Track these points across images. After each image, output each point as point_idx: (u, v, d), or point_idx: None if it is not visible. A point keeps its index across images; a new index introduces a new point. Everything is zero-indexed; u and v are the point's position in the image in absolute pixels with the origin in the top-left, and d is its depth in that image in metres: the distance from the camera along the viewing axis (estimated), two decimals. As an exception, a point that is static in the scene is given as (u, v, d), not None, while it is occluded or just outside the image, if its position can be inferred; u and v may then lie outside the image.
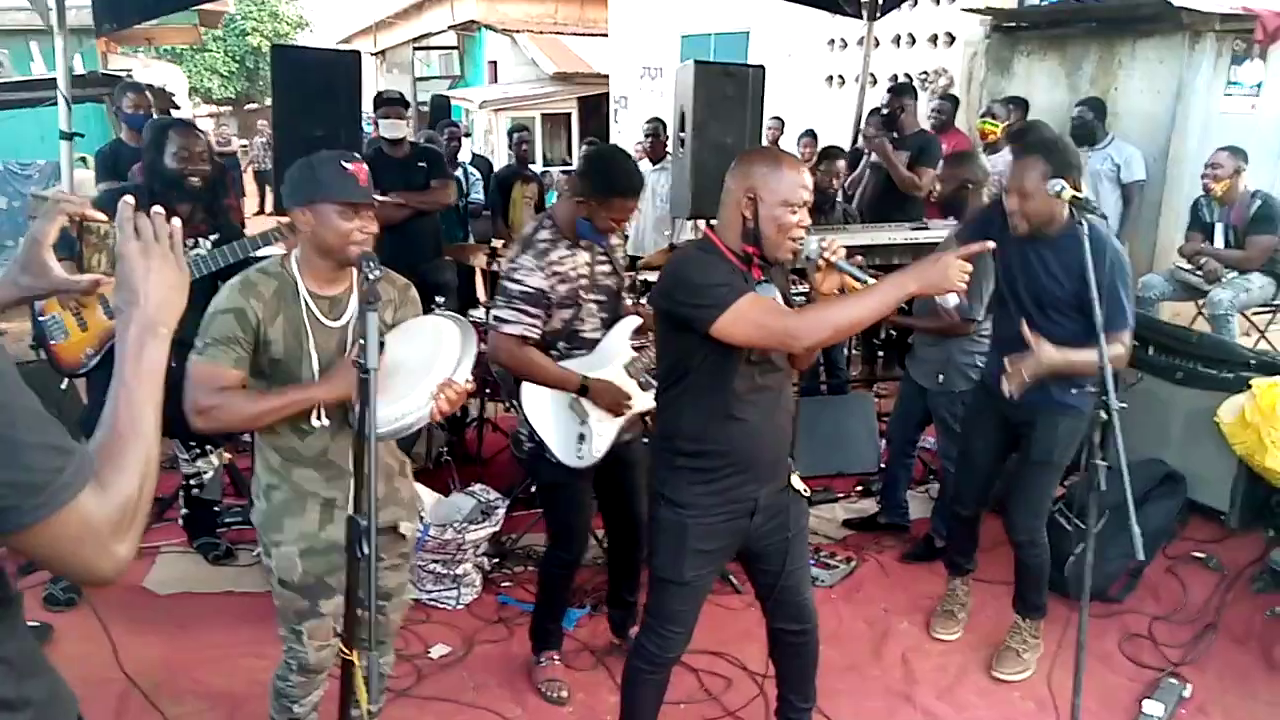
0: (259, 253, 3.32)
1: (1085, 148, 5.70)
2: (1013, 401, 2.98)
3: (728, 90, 5.84)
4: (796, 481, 2.53)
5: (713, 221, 2.43)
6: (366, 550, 1.96)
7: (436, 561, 3.60)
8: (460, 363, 2.22)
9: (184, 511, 3.89)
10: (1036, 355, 2.80)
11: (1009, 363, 2.85)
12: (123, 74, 6.92)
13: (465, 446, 4.95)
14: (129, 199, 1.28)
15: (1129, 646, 3.42)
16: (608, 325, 2.97)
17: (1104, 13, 6.10)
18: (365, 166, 2.21)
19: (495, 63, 19.25)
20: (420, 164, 5.65)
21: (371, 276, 1.96)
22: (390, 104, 5.53)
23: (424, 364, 2.22)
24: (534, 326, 2.79)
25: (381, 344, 1.96)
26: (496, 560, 3.93)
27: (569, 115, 16.65)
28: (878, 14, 6.59)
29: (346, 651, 2.13)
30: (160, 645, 3.31)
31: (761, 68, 6.06)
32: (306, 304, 2.24)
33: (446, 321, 2.35)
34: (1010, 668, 3.27)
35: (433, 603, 3.66)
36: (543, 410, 2.90)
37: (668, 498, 2.41)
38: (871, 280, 2.27)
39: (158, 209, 1.30)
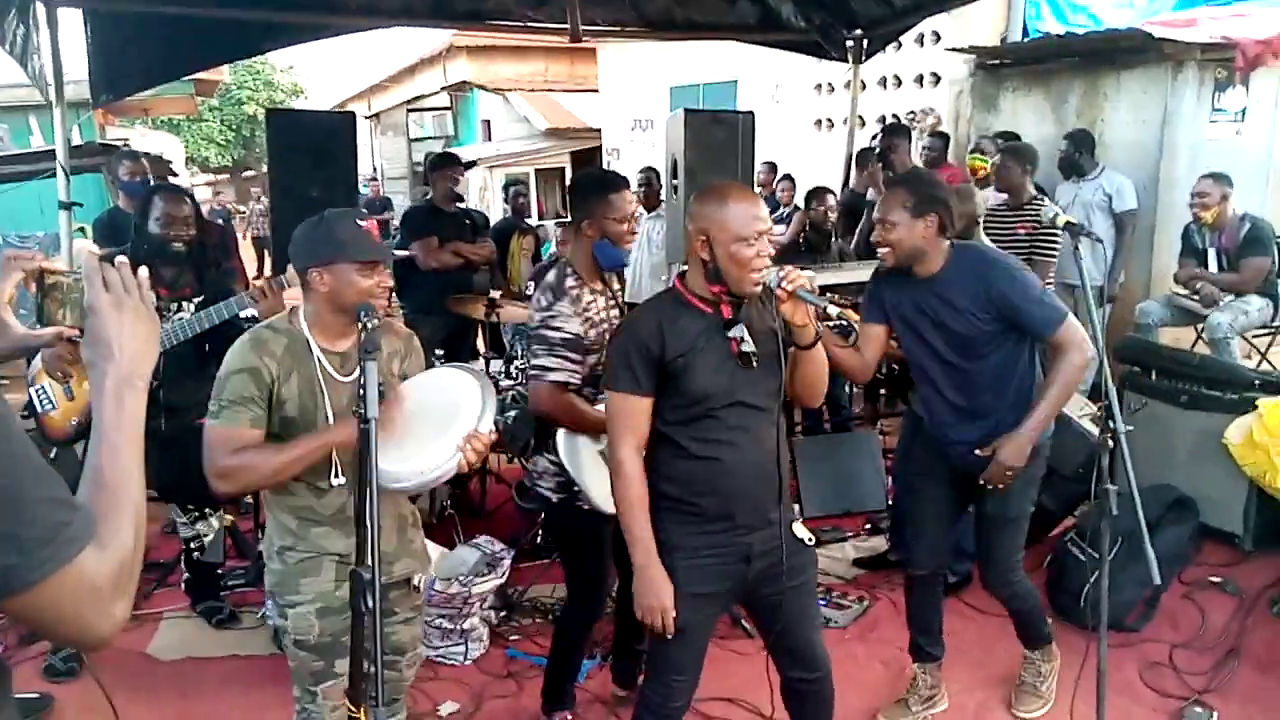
0: (243, 314, 3.34)
1: (1075, 179, 5.77)
2: (959, 450, 2.92)
3: (718, 136, 5.93)
4: (800, 530, 2.47)
5: (683, 268, 2.41)
6: (371, 604, 1.96)
7: (443, 616, 3.54)
8: (483, 414, 2.24)
9: (186, 576, 3.85)
10: (999, 461, 2.75)
11: (985, 480, 2.79)
12: (119, 144, 7.01)
13: (469, 499, 4.91)
14: (93, 248, 1.29)
15: (1150, 675, 3.36)
16: None
17: (1086, 46, 6.20)
18: (375, 224, 2.27)
19: (488, 121, 19.51)
20: (468, 220, 5.80)
21: (370, 325, 1.97)
22: (453, 163, 5.79)
23: (447, 416, 2.23)
24: (575, 373, 2.76)
25: (382, 393, 1.96)
26: (504, 613, 3.88)
27: (563, 169, 16.83)
28: (863, 57, 6.67)
29: (354, 709, 2.09)
30: (165, 713, 3.26)
31: (750, 113, 6.16)
32: (320, 361, 2.24)
33: (463, 373, 2.38)
34: (1028, 705, 3.21)
35: (440, 659, 3.60)
36: (579, 457, 2.83)
37: (661, 541, 2.35)
38: (834, 309, 2.28)
39: (122, 258, 1.29)
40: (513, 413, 4.58)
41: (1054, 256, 4.83)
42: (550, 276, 2.90)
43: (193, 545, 3.75)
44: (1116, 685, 3.10)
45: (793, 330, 2.31)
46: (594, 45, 13.21)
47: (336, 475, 2.24)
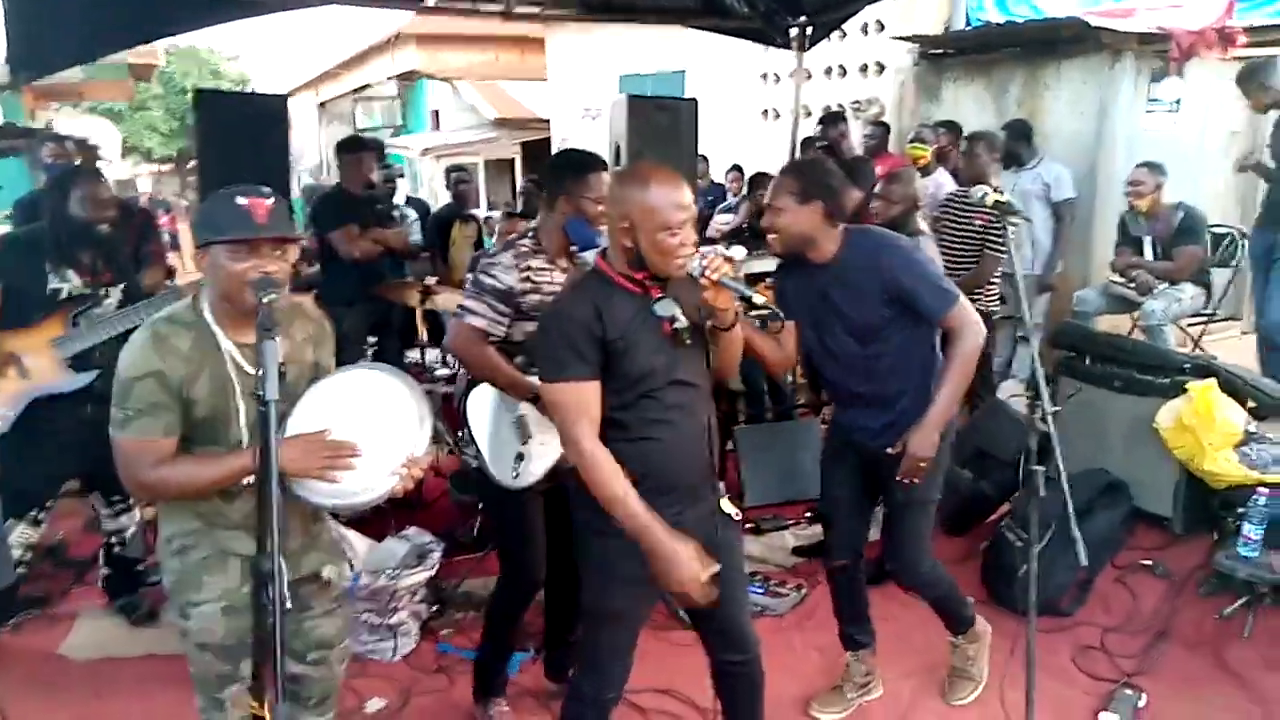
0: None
1: (1014, 168, 5.80)
2: (864, 438, 2.90)
3: (661, 123, 5.87)
4: (726, 505, 2.44)
5: (603, 245, 2.36)
6: (271, 596, 1.88)
7: (370, 611, 3.45)
8: (421, 432, 2.12)
9: (105, 571, 3.71)
10: (910, 454, 2.71)
11: (901, 476, 2.73)
12: (42, 127, 6.76)
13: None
14: None
15: (1082, 659, 3.37)
16: None
17: (1027, 35, 6.23)
18: (268, 200, 2.03)
19: (437, 111, 19.26)
20: (379, 205, 5.63)
21: (265, 299, 1.86)
22: (364, 147, 5.59)
23: (382, 433, 2.10)
24: (498, 323, 2.73)
25: (283, 374, 1.86)
26: (435, 607, 3.78)
27: (513, 160, 16.66)
28: (807, 45, 6.65)
29: (256, 706, 2.00)
30: (75, 714, 3.13)
31: (694, 101, 6.12)
32: (230, 355, 2.07)
33: (395, 380, 2.20)
34: (961, 692, 3.20)
35: (369, 654, 3.49)
36: (484, 421, 2.80)
37: (592, 523, 2.31)
38: (759, 298, 2.27)
39: None
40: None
41: (1003, 249, 4.82)
42: (512, 236, 2.91)
43: (114, 539, 3.61)
44: (1049, 669, 3.10)
45: (713, 314, 2.28)
46: (543, 35, 13.12)
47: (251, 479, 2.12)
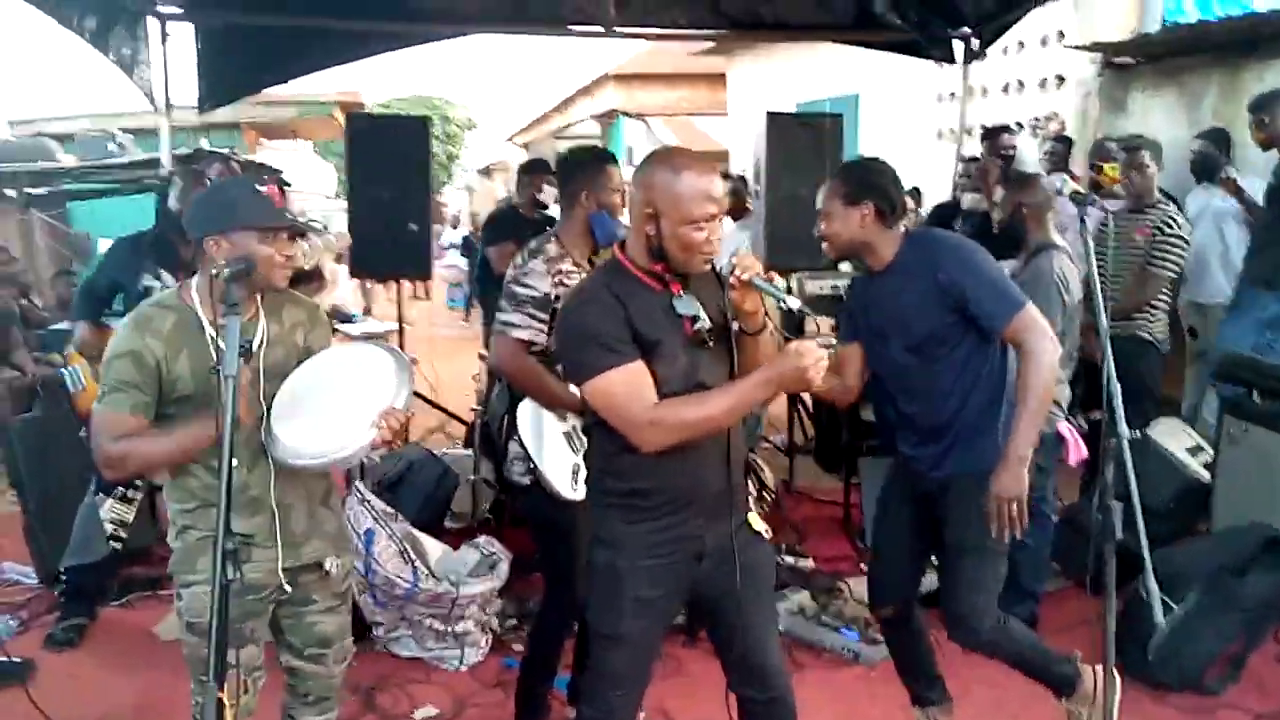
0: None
1: (1206, 184, 5.12)
2: (920, 468, 2.58)
3: (802, 139, 5.64)
4: (755, 520, 2.22)
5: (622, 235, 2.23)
6: (232, 575, 1.86)
7: (433, 617, 3.40)
8: (400, 390, 2.13)
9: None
10: (997, 495, 2.37)
11: (989, 518, 2.40)
12: (226, 151, 7.41)
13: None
14: None
15: (1222, 748, 2.82)
16: None
17: (1225, 36, 5.51)
18: (276, 189, 2.17)
19: (631, 148, 19.72)
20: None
21: (225, 274, 1.87)
22: (541, 170, 5.70)
23: (360, 393, 2.13)
24: (541, 332, 2.65)
25: (246, 350, 1.87)
26: (513, 621, 3.69)
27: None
28: (972, 57, 6.23)
29: (220, 691, 1.97)
30: (148, 689, 3.28)
31: (839, 116, 5.84)
32: (212, 336, 2.12)
33: (378, 349, 2.27)
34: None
35: (435, 662, 3.46)
36: (535, 435, 2.68)
37: (602, 539, 2.15)
38: (794, 302, 2.04)
39: None
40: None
41: (1171, 268, 4.23)
42: (533, 241, 2.82)
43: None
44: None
45: (740, 316, 2.08)
46: (724, 69, 13.21)
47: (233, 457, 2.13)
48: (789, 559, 4.37)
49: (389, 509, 3.54)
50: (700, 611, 2.29)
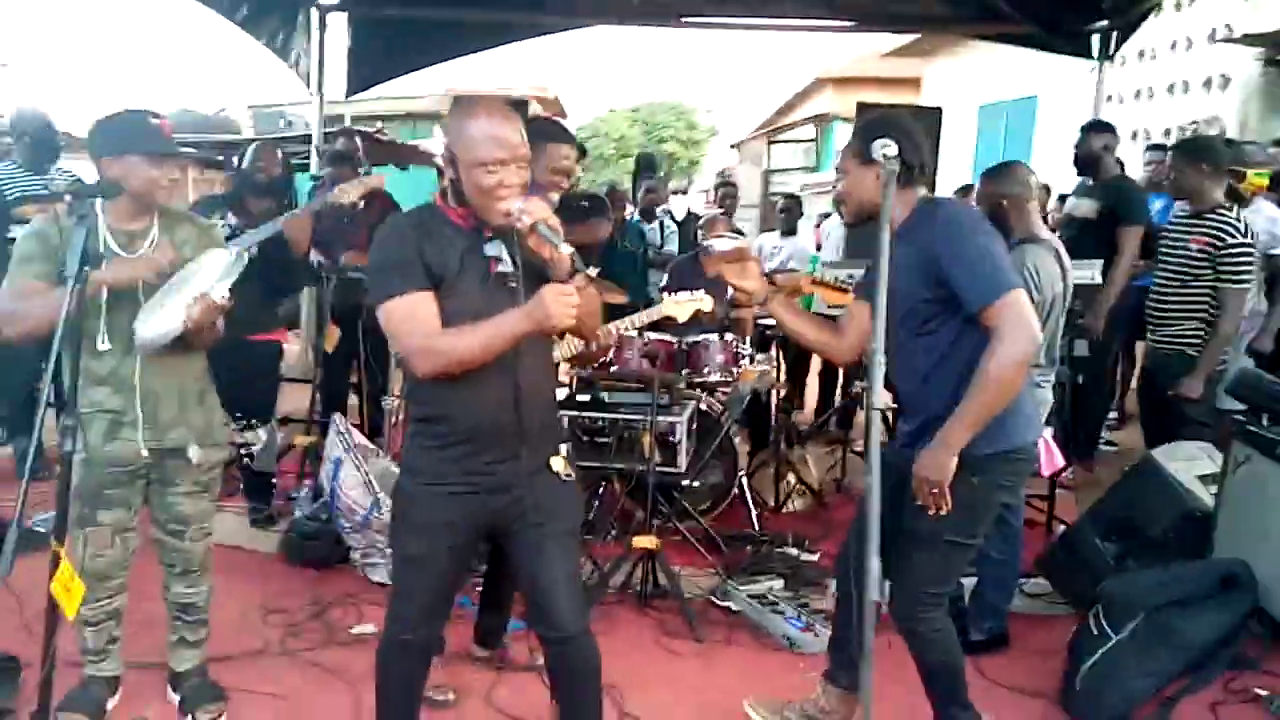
0: None
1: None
2: (899, 443, 2.46)
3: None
4: (557, 463, 2.26)
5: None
6: (69, 447, 2.19)
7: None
8: (218, 281, 2.44)
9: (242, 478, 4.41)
10: (915, 473, 2.27)
11: (915, 496, 2.30)
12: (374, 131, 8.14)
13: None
14: None
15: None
16: None
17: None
18: (170, 122, 2.52)
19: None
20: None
21: (67, 196, 2.24)
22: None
23: (194, 287, 2.45)
24: None
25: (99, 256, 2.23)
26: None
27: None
28: (1110, 52, 5.76)
29: (57, 544, 2.31)
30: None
31: (937, 109, 5.60)
32: (105, 239, 2.50)
33: (223, 251, 2.59)
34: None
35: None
36: None
37: (405, 464, 2.31)
38: (566, 248, 2.07)
39: None
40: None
41: (1244, 282, 3.75)
42: None
43: (242, 451, 4.24)
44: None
45: (548, 265, 2.13)
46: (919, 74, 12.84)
47: (104, 341, 2.48)
48: (793, 550, 4.30)
49: (371, 445, 3.85)
50: (502, 547, 2.36)
